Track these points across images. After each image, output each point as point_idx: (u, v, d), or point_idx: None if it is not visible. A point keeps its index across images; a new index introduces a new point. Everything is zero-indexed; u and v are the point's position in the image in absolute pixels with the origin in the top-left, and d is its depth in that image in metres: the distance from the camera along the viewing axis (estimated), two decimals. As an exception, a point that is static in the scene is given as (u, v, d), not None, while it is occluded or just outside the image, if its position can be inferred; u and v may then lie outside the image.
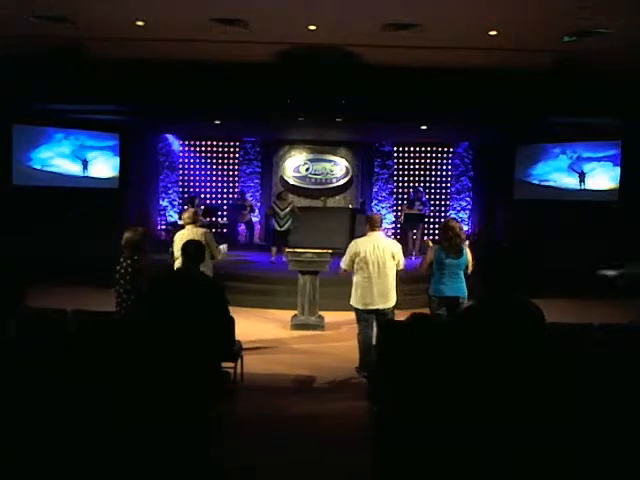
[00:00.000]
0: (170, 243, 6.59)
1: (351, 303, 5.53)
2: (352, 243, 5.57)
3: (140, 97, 9.04)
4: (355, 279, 5.47)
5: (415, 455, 2.47)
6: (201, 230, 6.21)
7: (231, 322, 4.63)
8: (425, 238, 10.77)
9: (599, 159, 10.49)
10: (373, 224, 5.49)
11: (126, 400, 3.06)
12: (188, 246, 4.33)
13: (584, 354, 4.29)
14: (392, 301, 5.43)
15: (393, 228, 13.53)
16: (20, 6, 6.49)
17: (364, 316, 5.45)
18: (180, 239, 6.01)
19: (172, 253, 6.27)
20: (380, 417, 2.64)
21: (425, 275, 5.66)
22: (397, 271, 5.49)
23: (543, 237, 10.40)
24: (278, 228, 10.57)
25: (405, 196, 13.38)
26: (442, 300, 5.29)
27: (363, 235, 5.56)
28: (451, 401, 2.54)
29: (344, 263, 5.53)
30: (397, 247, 5.50)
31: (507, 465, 2.47)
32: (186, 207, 11.63)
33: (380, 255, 5.33)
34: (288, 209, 10.64)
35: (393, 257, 5.39)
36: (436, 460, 2.43)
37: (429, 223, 13.15)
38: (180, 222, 11.00)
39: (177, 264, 5.90)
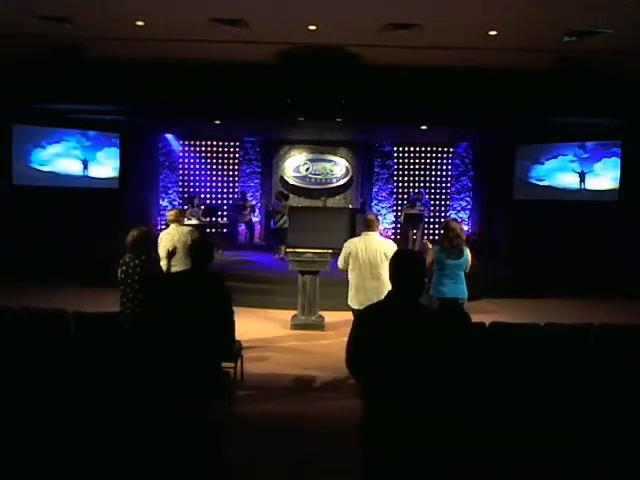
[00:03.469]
0: None
1: (348, 303, 5.53)
2: (347, 243, 5.58)
3: (140, 97, 9.04)
4: (350, 279, 5.49)
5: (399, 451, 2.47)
6: (186, 229, 6.16)
7: (232, 321, 4.56)
8: (424, 239, 10.74)
9: (600, 159, 10.50)
10: (368, 225, 5.51)
11: (126, 400, 3.06)
12: (191, 249, 4.24)
13: (584, 354, 4.29)
14: None
15: (393, 228, 13.54)
16: (20, 6, 6.49)
17: None
18: (165, 239, 5.99)
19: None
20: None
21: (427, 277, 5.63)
22: None
23: (543, 237, 10.41)
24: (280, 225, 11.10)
25: (405, 196, 13.40)
26: (443, 301, 5.28)
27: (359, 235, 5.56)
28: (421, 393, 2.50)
29: (339, 262, 5.55)
30: (390, 247, 5.37)
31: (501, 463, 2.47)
32: (186, 207, 11.65)
33: (372, 255, 5.31)
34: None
35: (386, 257, 5.35)
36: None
37: (429, 223, 13.16)
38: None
39: (162, 264, 5.83)
